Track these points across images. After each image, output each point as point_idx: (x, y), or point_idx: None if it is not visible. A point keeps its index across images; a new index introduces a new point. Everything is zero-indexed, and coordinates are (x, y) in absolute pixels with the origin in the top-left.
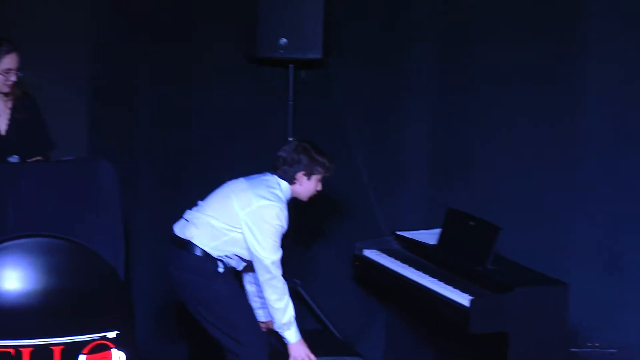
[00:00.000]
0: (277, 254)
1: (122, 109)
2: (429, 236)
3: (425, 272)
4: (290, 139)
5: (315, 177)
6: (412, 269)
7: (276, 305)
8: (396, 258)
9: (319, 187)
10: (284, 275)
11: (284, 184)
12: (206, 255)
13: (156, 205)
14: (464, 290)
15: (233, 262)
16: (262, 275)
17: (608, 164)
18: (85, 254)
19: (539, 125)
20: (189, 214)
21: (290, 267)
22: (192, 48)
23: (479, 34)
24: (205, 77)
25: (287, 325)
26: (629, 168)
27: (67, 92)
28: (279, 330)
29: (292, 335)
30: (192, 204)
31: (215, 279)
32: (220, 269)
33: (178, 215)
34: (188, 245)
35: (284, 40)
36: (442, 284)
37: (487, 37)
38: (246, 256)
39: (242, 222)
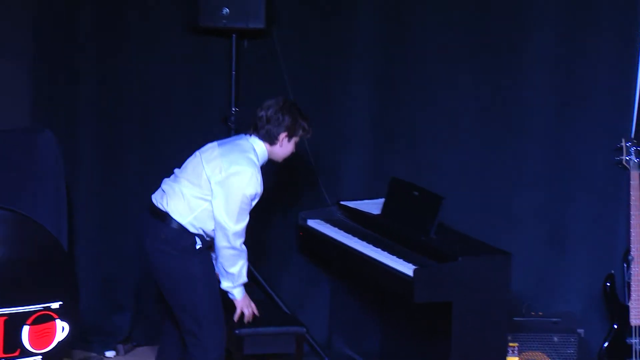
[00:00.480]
0: (241, 224)
1: (64, 81)
2: (373, 206)
3: (369, 242)
4: (235, 109)
5: (294, 139)
6: (356, 239)
7: (230, 270)
8: (340, 228)
9: (294, 149)
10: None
11: (259, 146)
12: (182, 229)
13: (99, 176)
14: (407, 259)
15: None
16: (220, 242)
17: (549, 134)
18: (27, 225)
19: (481, 95)
20: (165, 184)
21: None
22: (134, 18)
23: (421, 1)
24: (147, 47)
25: (236, 286)
26: (570, 139)
27: (8, 64)
28: (225, 288)
29: (239, 292)
30: (136, 175)
31: (191, 255)
32: (198, 245)
33: (121, 186)
34: (166, 217)
35: (226, 10)
36: (385, 253)
37: (429, 5)
38: None
39: (212, 190)
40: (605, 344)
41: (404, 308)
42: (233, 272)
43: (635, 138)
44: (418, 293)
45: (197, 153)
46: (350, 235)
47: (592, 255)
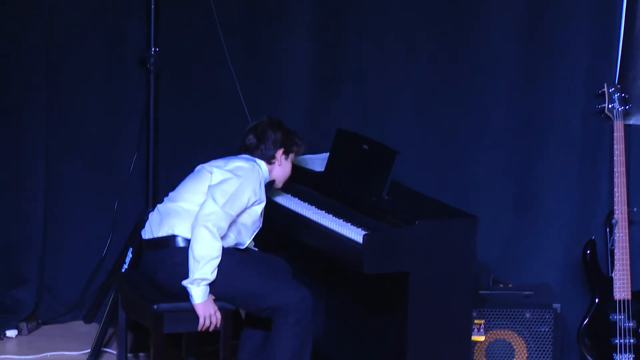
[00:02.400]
0: (227, 211)
1: None
2: (316, 161)
3: (311, 204)
4: (155, 49)
5: (291, 157)
6: (296, 200)
7: (196, 255)
8: None
9: (290, 170)
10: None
11: (262, 164)
12: (188, 242)
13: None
14: (356, 224)
15: (231, 240)
16: (199, 217)
17: (516, 82)
18: None
19: (438, 37)
20: (156, 212)
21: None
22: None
23: None
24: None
25: (198, 282)
26: (543, 89)
27: None
28: (185, 283)
29: (198, 294)
30: (39, 131)
31: None
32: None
33: (22, 142)
34: (169, 240)
35: None
36: (330, 216)
37: None
38: (246, 224)
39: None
40: (586, 321)
41: (352, 280)
42: (200, 259)
43: (619, 84)
44: (368, 262)
45: (194, 171)
46: (289, 196)
47: (569, 218)
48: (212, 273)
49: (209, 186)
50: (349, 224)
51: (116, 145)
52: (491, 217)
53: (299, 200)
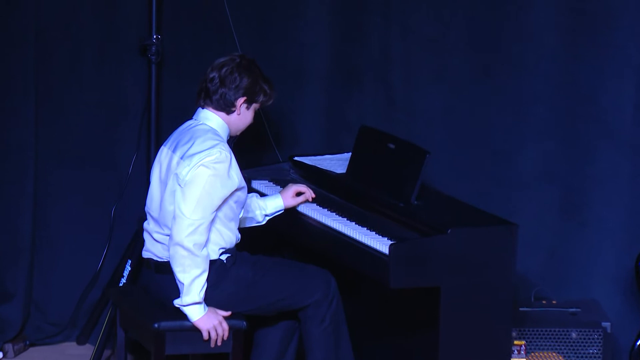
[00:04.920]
0: (201, 226)
1: None
2: (337, 162)
3: (331, 210)
4: (157, 36)
5: (254, 107)
6: (314, 206)
7: (179, 277)
8: None
9: (252, 120)
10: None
11: (216, 121)
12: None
13: None
14: (381, 232)
15: (230, 236)
16: (170, 238)
17: (560, 87)
18: None
19: (472, 19)
20: (149, 239)
21: None
22: None
23: None
24: None
25: (188, 305)
26: (585, 75)
27: None
28: (177, 304)
29: (193, 312)
30: (27, 126)
31: (226, 275)
32: (224, 260)
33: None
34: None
35: None
36: (353, 224)
37: None
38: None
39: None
40: (639, 342)
41: (378, 295)
42: (184, 281)
43: None
44: (395, 276)
45: (152, 175)
46: (306, 201)
47: (620, 226)
48: (200, 291)
49: (176, 194)
50: (374, 232)
51: (113, 143)
52: (532, 225)
53: (317, 206)
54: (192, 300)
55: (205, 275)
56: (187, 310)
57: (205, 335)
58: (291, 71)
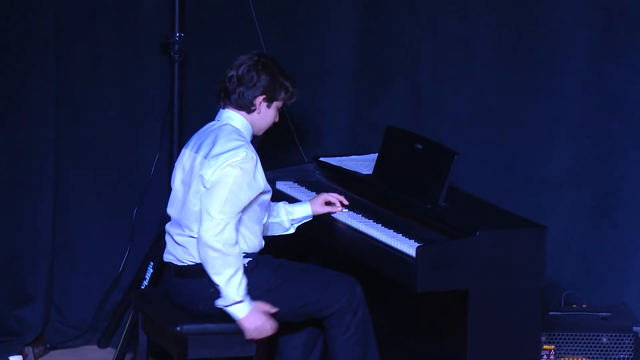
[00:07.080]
0: (229, 225)
1: None
2: (362, 163)
3: (357, 212)
4: (179, 35)
5: (276, 105)
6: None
7: (215, 279)
8: (319, 192)
9: (277, 118)
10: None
11: (240, 121)
12: None
13: None
14: (408, 235)
15: (254, 241)
16: (199, 240)
17: (592, 82)
18: None
19: (500, 18)
20: (169, 238)
21: None
22: None
23: None
24: None
25: (231, 305)
26: (619, 88)
27: None
28: (218, 305)
29: (237, 310)
30: (46, 124)
31: (247, 279)
32: (246, 264)
33: (27, 138)
34: (202, 268)
35: None
36: (379, 226)
37: None
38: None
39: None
40: None
41: (404, 299)
42: (219, 283)
43: None
44: (422, 279)
45: (173, 176)
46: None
47: None
48: (239, 289)
49: (202, 195)
50: (400, 234)
51: (135, 144)
52: (562, 227)
53: (343, 208)
54: (232, 300)
55: (241, 272)
56: (230, 310)
57: (248, 336)
58: (317, 70)
